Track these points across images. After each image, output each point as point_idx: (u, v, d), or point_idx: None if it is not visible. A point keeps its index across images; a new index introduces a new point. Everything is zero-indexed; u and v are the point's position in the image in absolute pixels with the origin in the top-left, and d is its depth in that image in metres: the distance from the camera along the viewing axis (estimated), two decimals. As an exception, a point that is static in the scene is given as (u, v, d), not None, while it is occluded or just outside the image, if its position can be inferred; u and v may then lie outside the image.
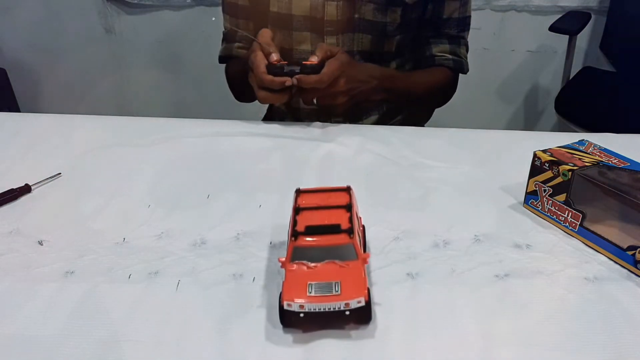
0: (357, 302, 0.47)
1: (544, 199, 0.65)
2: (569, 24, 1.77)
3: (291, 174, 0.76)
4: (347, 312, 0.47)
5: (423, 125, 1.14)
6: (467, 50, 1.05)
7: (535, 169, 0.65)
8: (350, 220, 0.51)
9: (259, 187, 0.72)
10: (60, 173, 0.75)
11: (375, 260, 0.58)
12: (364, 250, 0.57)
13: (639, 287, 0.55)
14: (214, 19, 1.10)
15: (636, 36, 1.80)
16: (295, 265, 0.50)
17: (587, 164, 0.62)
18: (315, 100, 0.88)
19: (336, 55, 0.86)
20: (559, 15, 1.82)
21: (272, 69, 0.83)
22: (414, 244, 0.61)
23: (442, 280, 0.56)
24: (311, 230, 0.50)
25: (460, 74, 1.07)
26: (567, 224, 0.63)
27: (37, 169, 0.75)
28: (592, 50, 2.00)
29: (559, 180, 0.62)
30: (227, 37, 1.07)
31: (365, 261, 0.50)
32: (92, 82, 2.19)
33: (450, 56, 1.03)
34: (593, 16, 1.87)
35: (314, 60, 0.85)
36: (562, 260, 0.58)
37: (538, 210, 0.66)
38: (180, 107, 2.23)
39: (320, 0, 0.94)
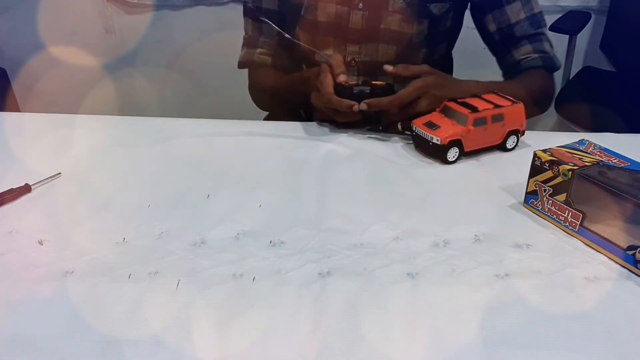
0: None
1: (544, 198, 0.65)
2: (569, 24, 1.77)
3: (291, 174, 0.76)
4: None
5: None
6: (551, 46, 0.99)
7: (536, 169, 0.65)
8: None
9: (259, 187, 0.72)
10: (60, 173, 0.75)
11: (375, 260, 0.58)
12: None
13: (639, 287, 0.55)
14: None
15: (636, 36, 1.80)
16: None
17: (587, 163, 0.62)
18: (399, 126, 0.85)
19: (422, 77, 0.83)
20: (559, 15, 1.82)
21: (340, 89, 0.82)
22: (414, 244, 0.61)
23: (442, 280, 0.56)
24: None
25: (551, 72, 0.99)
26: (567, 223, 0.63)
27: (37, 169, 0.75)
28: (592, 50, 2.00)
29: (559, 180, 0.62)
30: (249, 43, 1.04)
31: None
32: (92, 82, 2.19)
33: (536, 55, 0.97)
34: (593, 16, 1.87)
35: (391, 69, 0.84)
36: (562, 260, 0.58)
37: (538, 210, 0.66)
38: (180, 107, 2.22)
39: (346, 9, 0.93)
